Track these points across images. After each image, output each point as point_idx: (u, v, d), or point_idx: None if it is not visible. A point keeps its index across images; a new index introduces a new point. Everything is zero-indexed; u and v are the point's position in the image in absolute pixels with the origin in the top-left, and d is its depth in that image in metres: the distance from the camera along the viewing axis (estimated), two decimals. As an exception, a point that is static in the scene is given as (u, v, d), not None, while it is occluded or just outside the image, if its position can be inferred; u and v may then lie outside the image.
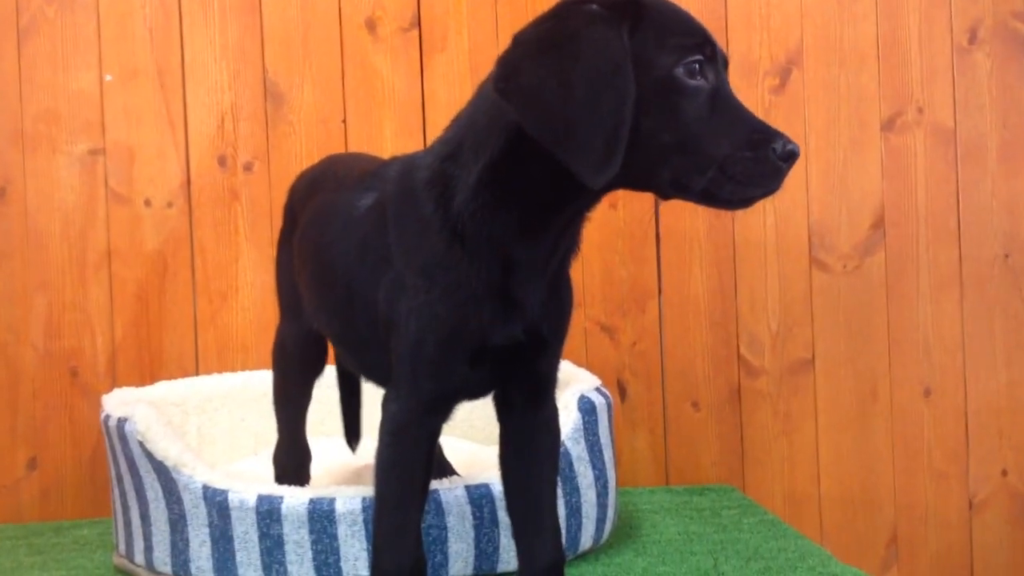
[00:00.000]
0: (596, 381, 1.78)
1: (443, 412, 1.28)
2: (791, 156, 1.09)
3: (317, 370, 1.70)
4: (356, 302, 1.33)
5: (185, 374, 2.14)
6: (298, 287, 1.57)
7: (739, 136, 1.10)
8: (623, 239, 2.23)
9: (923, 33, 2.24)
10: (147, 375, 2.14)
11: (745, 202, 1.13)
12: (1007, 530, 2.27)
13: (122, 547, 1.69)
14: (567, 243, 1.25)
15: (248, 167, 2.18)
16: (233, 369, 2.14)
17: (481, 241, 1.19)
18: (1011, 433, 2.27)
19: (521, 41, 1.14)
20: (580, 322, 2.21)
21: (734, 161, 1.09)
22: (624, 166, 1.09)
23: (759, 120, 1.13)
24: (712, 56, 1.13)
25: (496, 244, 1.19)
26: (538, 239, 1.20)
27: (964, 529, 2.26)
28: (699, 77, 1.11)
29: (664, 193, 1.16)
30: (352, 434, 1.78)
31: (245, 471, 1.94)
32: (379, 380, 1.38)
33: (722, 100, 1.12)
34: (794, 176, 2.21)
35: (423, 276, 1.21)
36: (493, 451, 2.01)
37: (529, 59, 1.11)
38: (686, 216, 2.22)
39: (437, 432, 1.30)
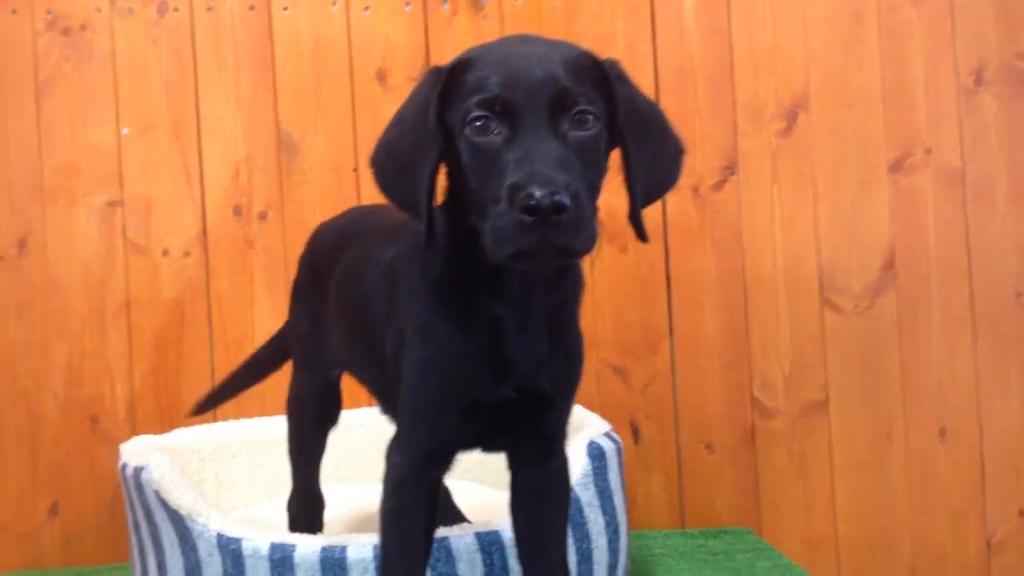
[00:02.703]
0: (606, 426, 1.79)
1: (442, 464, 1.29)
2: (527, 209, 1.02)
3: (333, 420, 1.72)
4: (380, 352, 1.35)
5: (203, 421, 2.15)
6: (317, 337, 1.61)
7: (501, 190, 1.06)
8: (633, 282, 2.24)
9: (929, 75, 2.26)
10: (166, 422, 2.17)
11: (512, 260, 1.07)
12: (1026, 570, 2.26)
13: (139, 595, 1.71)
14: (550, 299, 1.24)
15: (263, 216, 2.21)
16: (249, 415, 2.17)
17: (461, 301, 1.22)
18: (1028, 472, 2.26)
19: None
20: (592, 364, 2.23)
21: (492, 216, 1.07)
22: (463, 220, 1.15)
23: (535, 170, 1.05)
24: (505, 109, 1.10)
25: (475, 303, 1.21)
26: (506, 297, 1.21)
27: (982, 570, 2.25)
28: (488, 133, 1.11)
29: None
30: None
31: (261, 517, 1.96)
32: None
33: (509, 152, 1.09)
34: (803, 218, 2.24)
35: (418, 333, 1.24)
36: (505, 495, 2.02)
37: (384, 131, 1.22)
38: (696, 258, 2.24)
39: (438, 482, 1.31)
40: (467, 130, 1.12)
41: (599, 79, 1.16)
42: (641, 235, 1.20)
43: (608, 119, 1.15)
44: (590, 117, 1.12)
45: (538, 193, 1.02)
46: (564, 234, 1.04)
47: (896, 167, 2.26)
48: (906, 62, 2.26)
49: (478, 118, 1.11)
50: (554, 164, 1.06)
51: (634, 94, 1.20)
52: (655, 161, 1.19)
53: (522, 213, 1.03)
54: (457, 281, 1.22)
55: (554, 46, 1.17)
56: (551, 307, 1.24)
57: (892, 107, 2.26)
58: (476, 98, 1.11)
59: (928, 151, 2.26)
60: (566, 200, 1.03)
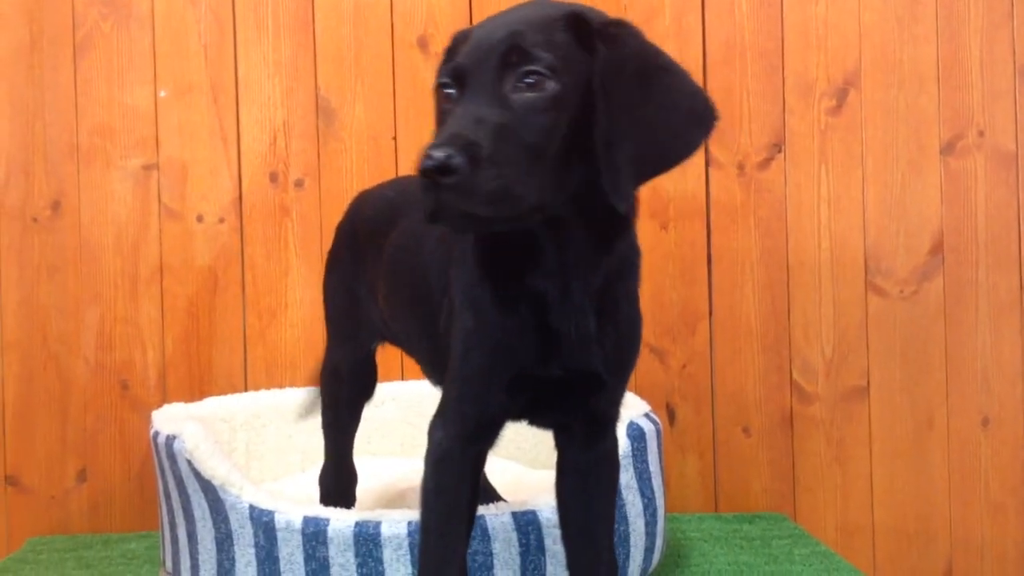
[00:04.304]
0: (645, 407, 1.76)
1: (487, 438, 1.25)
2: (423, 171, 1.00)
3: (369, 394, 1.70)
4: (435, 324, 1.32)
5: (234, 390, 2.15)
6: (355, 308, 1.58)
7: None
8: (673, 261, 2.20)
9: (985, 55, 2.19)
10: (196, 390, 2.15)
11: (432, 221, 1.05)
12: (1067, 565, 2.21)
13: (169, 564, 1.69)
14: (593, 275, 1.18)
15: (299, 184, 2.18)
16: (281, 385, 2.15)
17: (506, 274, 1.18)
18: (1072, 465, 2.21)
19: None
20: (629, 344, 2.19)
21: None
22: None
23: (442, 132, 1.04)
24: (459, 75, 1.08)
25: (519, 277, 1.17)
26: (545, 271, 1.16)
27: (1021, 563, 2.20)
28: (450, 101, 1.10)
29: None
30: None
31: (291, 489, 1.94)
32: None
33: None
34: (850, 199, 2.19)
35: (465, 305, 1.21)
36: (539, 474, 2.00)
37: None
38: (739, 237, 2.19)
39: (481, 459, 1.27)
40: (440, 100, 1.12)
41: (582, 39, 1.09)
42: (621, 207, 1.10)
43: (588, 80, 1.09)
44: (541, 77, 1.06)
45: (423, 155, 1.00)
46: (459, 197, 1.01)
47: (948, 149, 2.20)
48: (962, 40, 2.19)
49: (444, 85, 1.10)
50: (467, 124, 1.03)
51: (627, 53, 1.11)
52: (650, 126, 1.10)
53: (423, 176, 1.01)
54: (500, 254, 1.18)
55: (539, 6, 1.13)
56: (598, 284, 1.19)
57: (946, 87, 2.20)
58: (444, 68, 1.11)
59: (981, 133, 2.20)
60: (451, 161, 0.99)
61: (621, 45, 1.10)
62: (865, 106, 2.20)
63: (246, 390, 2.15)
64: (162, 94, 2.17)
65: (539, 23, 1.09)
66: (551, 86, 1.07)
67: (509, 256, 1.17)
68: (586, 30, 1.10)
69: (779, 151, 2.20)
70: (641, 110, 1.09)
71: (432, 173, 1.00)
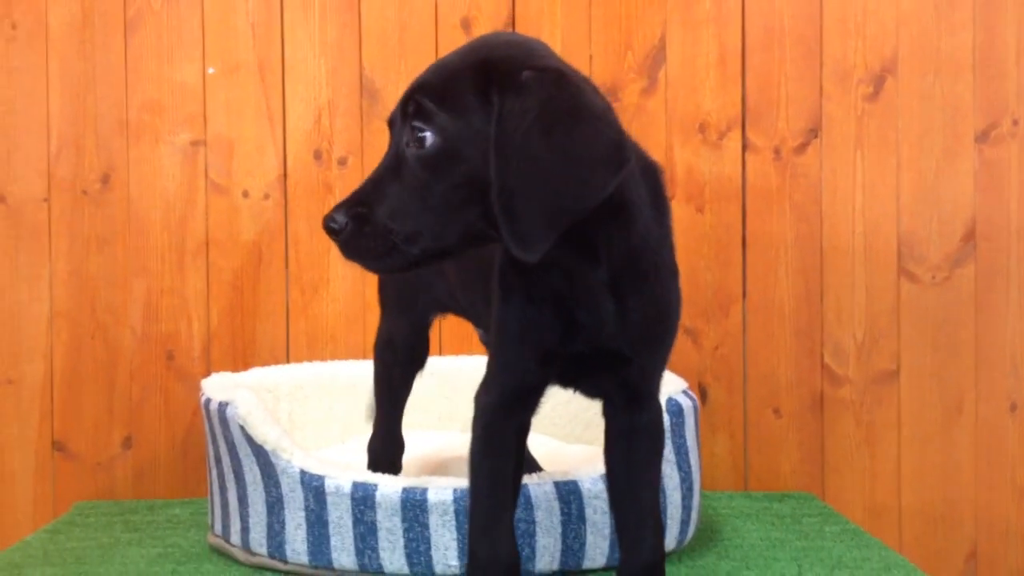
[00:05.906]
0: (683, 383, 1.79)
1: (526, 406, 1.29)
2: (325, 230, 1.14)
3: (422, 364, 1.75)
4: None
5: (276, 362, 2.20)
6: (414, 281, 1.63)
7: None
8: (708, 243, 2.23)
9: (1022, 44, 2.21)
10: (240, 361, 2.20)
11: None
12: (1092, 550, 2.24)
13: (218, 527, 1.74)
14: (593, 269, 1.19)
15: (342, 162, 2.23)
16: (322, 358, 2.20)
17: (525, 267, 1.20)
18: (1099, 452, 2.24)
19: None
20: (664, 324, 2.22)
21: None
22: None
23: (355, 191, 1.16)
24: (390, 124, 1.18)
25: (535, 271, 1.20)
26: (550, 266, 1.19)
27: (1047, 547, 2.24)
28: None
29: None
30: None
31: (334, 459, 1.98)
32: None
33: None
34: (885, 185, 2.22)
35: (498, 290, 1.26)
36: (574, 448, 2.05)
37: None
38: (774, 221, 2.23)
39: (525, 425, 1.31)
40: None
41: (485, 89, 1.11)
42: (528, 257, 1.10)
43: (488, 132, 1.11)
44: (424, 133, 1.11)
45: (326, 215, 1.13)
46: (349, 253, 1.13)
47: (983, 137, 2.22)
48: (999, 29, 2.21)
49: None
50: (370, 184, 1.14)
51: (530, 103, 1.09)
52: (554, 175, 1.09)
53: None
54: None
55: (466, 53, 1.16)
56: (605, 278, 1.20)
57: (982, 75, 2.22)
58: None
59: (1016, 122, 2.22)
60: (337, 225, 1.12)
61: (527, 94, 1.09)
62: (901, 93, 2.22)
63: (288, 362, 2.20)
64: (210, 71, 2.22)
65: (448, 73, 1.14)
66: (433, 141, 1.11)
67: None
68: (487, 80, 1.11)
69: (815, 136, 2.22)
70: (543, 160, 1.09)
71: (329, 233, 1.13)
